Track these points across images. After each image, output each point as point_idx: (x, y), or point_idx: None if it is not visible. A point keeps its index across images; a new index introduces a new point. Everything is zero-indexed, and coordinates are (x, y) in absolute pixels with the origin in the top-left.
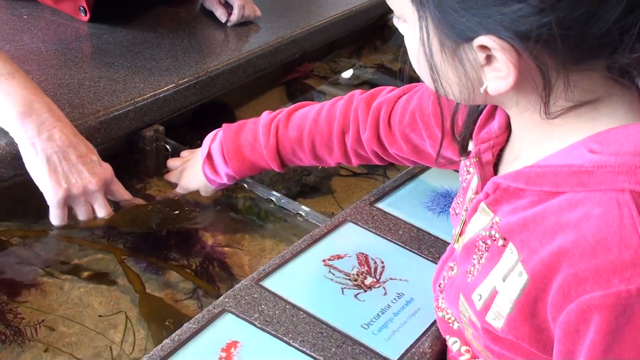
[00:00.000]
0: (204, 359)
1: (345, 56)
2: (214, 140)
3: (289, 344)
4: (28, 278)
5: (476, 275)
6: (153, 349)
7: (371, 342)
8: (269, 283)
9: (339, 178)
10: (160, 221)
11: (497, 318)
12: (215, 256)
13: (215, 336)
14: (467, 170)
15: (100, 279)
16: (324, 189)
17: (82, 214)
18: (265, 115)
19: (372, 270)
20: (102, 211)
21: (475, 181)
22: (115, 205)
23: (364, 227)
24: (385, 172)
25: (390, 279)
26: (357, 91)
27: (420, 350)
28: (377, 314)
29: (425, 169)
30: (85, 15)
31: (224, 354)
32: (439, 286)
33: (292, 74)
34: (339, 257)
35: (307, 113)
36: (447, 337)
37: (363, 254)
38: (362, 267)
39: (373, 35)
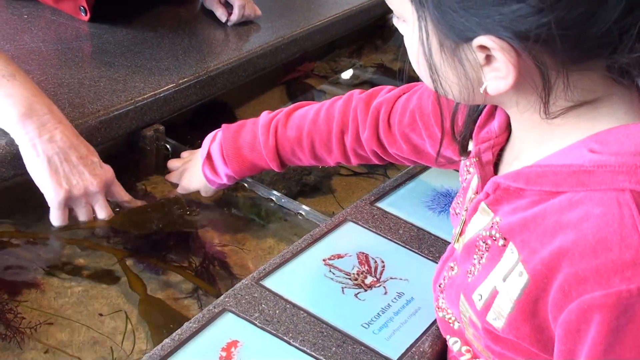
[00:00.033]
0: (204, 359)
1: (345, 56)
2: (213, 141)
3: (289, 343)
4: (28, 278)
5: (476, 275)
6: (153, 348)
7: (371, 342)
8: (270, 282)
9: (340, 177)
10: (161, 222)
11: (498, 318)
12: (215, 255)
13: (216, 335)
14: (467, 170)
15: (100, 278)
16: (324, 188)
17: (82, 215)
18: (265, 115)
19: (373, 269)
20: (102, 212)
21: (475, 181)
22: (114, 206)
23: (364, 227)
24: (385, 172)
25: (391, 278)
26: (356, 91)
27: (421, 349)
28: (378, 314)
29: (425, 168)
30: (86, 14)
31: (224, 354)
32: (439, 286)
33: (292, 73)
34: (339, 256)
35: (305, 113)
36: (447, 337)
37: (363, 253)
38: (363, 266)
39: (373, 35)
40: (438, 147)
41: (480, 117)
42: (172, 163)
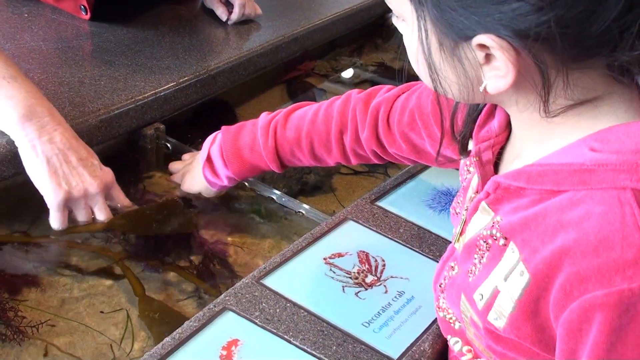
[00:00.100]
0: (204, 357)
1: (346, 54)
2: (213, 143)
3: (289, 342)
4: (28, 277)
5: (477, 274)
6: (154, 347)
7: (372, 341)
8: (270, 281)
9: (340, 176)
10: (160, 223)
11: (499, 318)
12: (216, 254)
13: (216, 334)
14: (467, 170)
15: (100, 278)
16: (324, 187)
17: (81, 217)
18: (264, 116)
19: (373, 268)
20: (102, 214)
21: (475, 180)
22: (113, 209)
23: (364, 225)
24: (386, 171)
25: (391, 277)
26: (355, 90)
27: (421, 348)
28: (378, 312)
29: (425, 167)
30: (86, 13)
31: (224, 352)
32: (440, 286)
33: (293, 72)
34: (339, 255)
35: (304, 114)
36: (448, 337)
37: (364, 252)
38: (363, 265)
39: (374, 34)
40: (438, 147)
41: (480, 116)
42: (173, 165)
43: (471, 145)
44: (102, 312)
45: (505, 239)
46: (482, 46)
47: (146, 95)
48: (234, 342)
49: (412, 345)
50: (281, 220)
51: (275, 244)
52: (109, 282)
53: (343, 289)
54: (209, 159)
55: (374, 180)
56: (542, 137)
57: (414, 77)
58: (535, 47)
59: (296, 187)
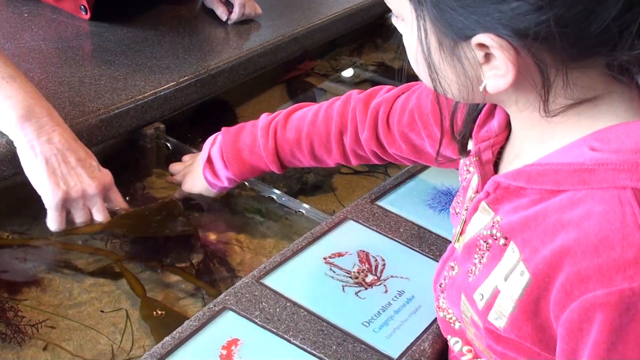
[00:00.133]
0: (204, 357)
1: (346, 54)
2: (213, 144)
3: (289, 341)
4: (28, 276)
5: (477, 274)
6: (153, 346)
7: (372, 340)
8: (270, 281)
9: (340, 176)
10: (159, 224)
11: (500, 318)
12: (216, 254)
13: (216, 334)
14: (467, 170)
15: (100, 277)
16: (325, 186)
17: (79, 218)
18: (264, 117)
19: (373, 267)
20: (100, 216)
21: (475, 180)
22: (110, 211)
23: (364, 225)
24: (386, 170)
25: (391, 276)
26: (355, 91)
27: (421, 348)
28: (378, 312)
29: (425, 166)
30: (86, 13)
31: (224, 352)
32: (440, 286)
33: (293, 72)
34: (339, 254)
35: (304, 114)
36: (448, 337)
37: (364, 251)
38: (363, 264)
39: (374, 34)
40: (437, 147)
41: (479, 116)
42: (174, 167)
43: (471, 145)
44: (102, 311)
45: (506, 238)
46: (482, 45)
47: (146, 94)
48: (234, 341)
49: (412, 344)
50: (281, 219)
51: (275, 244)
52: (108, 281)
53: (343, 289)
54: (209, 160)
55: (374, 179)
56: (541, 137)
57: (414, 77)
58: (535, 46)
59: (296, 187)
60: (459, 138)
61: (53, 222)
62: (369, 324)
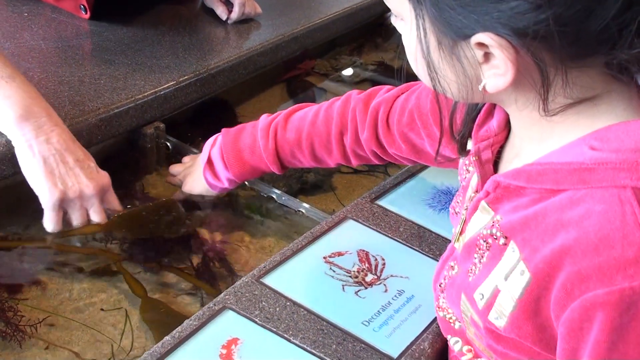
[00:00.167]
0: (204, 356)
1: (346, 53)
2: (213, 145)
3: (289, 340)
4: (28, 276)
5: (477, 274)
6: (153, 346)
7: (372, 339)
8: (270, 280)
9: (340, 175)
10: (157, 224)
11: (500, 317)
12: (215, 253)
13: (216, 333)
14: (467, 169)
15: (100, 276)
16: (324, 186)
17: (76, 219)
18: (264, 118)
19: (373, 267)
20: (97, 217)
21: (475, 180)
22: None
23: (364, 224)
24: (386, 170)
25: (391, 276)
26: (354, 91)
27: (421, 347)
28: (378, 311)
29: (425, 166)
30: (86, 13)
31: (224, 351)
32: (440, 286)
33: (292, 71)
34: (339, 254)
35: (304, 115)
36: (448, 336)
37: (364, 251)
38: (363, 264)
39: (374, 33)
40: (437, 146)
41: (479, 116)
42: (174, 168)
43: (470, 145)
44: (102, 309)
45: (506, 238)
46: (481, 45)
47: (146, 94)
48: (234, 340)
49: (411, 344)
50: (281, 219)
51: (275, 243)
52: (108, 281)
53: (343, 288)
54: (209, 162)
55: (374, 179)
56: (541, 136)
57: (413, 77)
58: (534, 45)
59: (296, 186)
60: (458, 137)
61: (50, 222)
62: (368, 323)
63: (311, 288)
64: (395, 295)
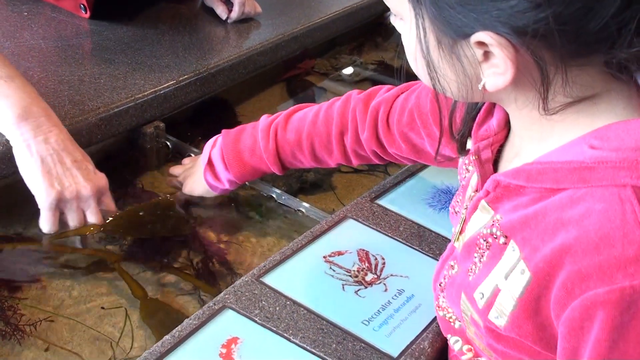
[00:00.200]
0: (204, 355)
1: (346, 53)
2: (214, 146)
3: (289, 340)
4: (28, 275)
5: (478, 273)
6: (153, 345)
7: (372, 339)
8: (270, 279)
9: (340, 175)
10: (156, 223)
11: (500, 316)
12: (215, 253)
13: (216, 332)
14: (466, 169)
15: (100, 276)
16: (324, 185)
17: (72, 220)
18: (264, 119)
19: (373, 266)
20: (93, 218)
21: (474, 179)
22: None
23: (364, 224)
24: (386, 169)
25: (391, 275)
26: (355, 91)
27: (421, 346)
28: (378, 311)
29: (425, 165)
30: (86, 12)
31: (224, 350)
32: (440, 285)
33: (292, 70)
34: (339, 253)
35: (304, 115)
36: (448, 336)
37: (364, 250)
38: (363, 263)
39: (374, 32)
40: (437, 146)
41: (478, 115)
42: (174, 169)
43: (470, 144)
44: (103, 307)
45: (506, 237)
46: (481, 44)
47: (146, 93)
48: (234, 340)
49: (411, 343)
50: (281, 218)
51: (275, 242)
52: (108, 281)
53: (343, 287)
54: (210, 163)
55: (374, 178)
56: (541, 135)
57: (413, 76)
58: (534, 43)
59: (296, 186)
60: (458, 137)
61: (46, 222)
62: (368, 322)
63: (311, 287)
64: (395, 295)
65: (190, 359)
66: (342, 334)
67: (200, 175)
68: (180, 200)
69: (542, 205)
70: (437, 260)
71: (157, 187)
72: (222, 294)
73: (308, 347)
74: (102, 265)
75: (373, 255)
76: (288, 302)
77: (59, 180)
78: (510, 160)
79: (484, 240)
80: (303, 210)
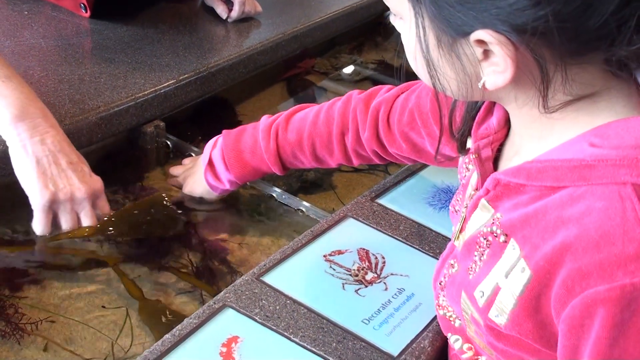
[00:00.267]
0: (204, 354)
1: (346, 52)
2: (214, 147)
3: (289, 339)
4: (28, 275)
5: (478, 272)
6: (153, 344)
7: (372, 338)
8: (270, 278)
9: (340, 174)
10: (151, 221)
11: (500, 315)
12: (215, 252)
13: (216, 331)
14: (466, 167)
15: (99, 275)
16: (324, 184)
17: (65, 222)
18: (265, 119)
19: (373, 265)
20: (88, 220)
21: (474, 178)
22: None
23: (364, 223)
24: (386, 168)
25: (391, 274)
26: (355, 91)
27: (421, 345)
28: (378, 309)
29: (425, 165)
30: (86, 11)
31: (224, 349)
32: (440, 284)
33: (292, 70)
34: (339, 252)
35: (305, 115)
36: (448, 335)
37: (364, 249)
38: (363, 262)
39: (374, 32)
40: (437, 145)
41: (478, 114)
42: (174, 170)
43: (470, 143)
44: (103, 306)
45: (506, 235)
46: (480, 42)
47: (146, 92)
48: (234, 339)
49: (412, 342)
50: (281, 217)
51: (275, 242)
52: (108, 280)
53: (343, 286)
54: (210, 163)
55: (374, 177)
56: (541, 133)
57: (413, 75)
58: (533, 41)
59: (296, 185)
60: (457, 136)
61: (39, 224)
62: (369, 321)
63: (311, 286)
64: (396, 294)
65: (191, 357)
66: (343, 332)
67: (200, 175)
68: (180, 200)
69: (542, 203)
70: (437, 259)
71: (157, 186)
72: (222, 293)
73: (308, 346)
74: (102, 265)
75: (373, 254)
76: (288, 301)
77: (54, 182)
78: (510, 159)
79: (484, 239)
80: (303, 209)
